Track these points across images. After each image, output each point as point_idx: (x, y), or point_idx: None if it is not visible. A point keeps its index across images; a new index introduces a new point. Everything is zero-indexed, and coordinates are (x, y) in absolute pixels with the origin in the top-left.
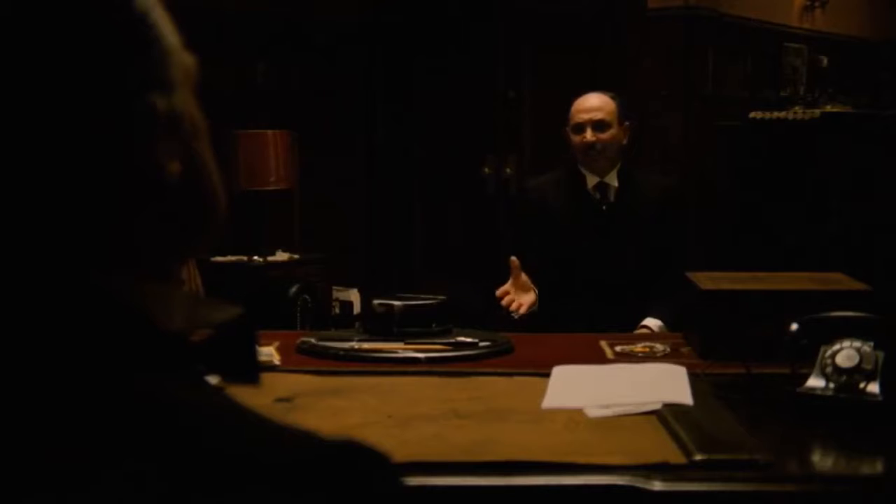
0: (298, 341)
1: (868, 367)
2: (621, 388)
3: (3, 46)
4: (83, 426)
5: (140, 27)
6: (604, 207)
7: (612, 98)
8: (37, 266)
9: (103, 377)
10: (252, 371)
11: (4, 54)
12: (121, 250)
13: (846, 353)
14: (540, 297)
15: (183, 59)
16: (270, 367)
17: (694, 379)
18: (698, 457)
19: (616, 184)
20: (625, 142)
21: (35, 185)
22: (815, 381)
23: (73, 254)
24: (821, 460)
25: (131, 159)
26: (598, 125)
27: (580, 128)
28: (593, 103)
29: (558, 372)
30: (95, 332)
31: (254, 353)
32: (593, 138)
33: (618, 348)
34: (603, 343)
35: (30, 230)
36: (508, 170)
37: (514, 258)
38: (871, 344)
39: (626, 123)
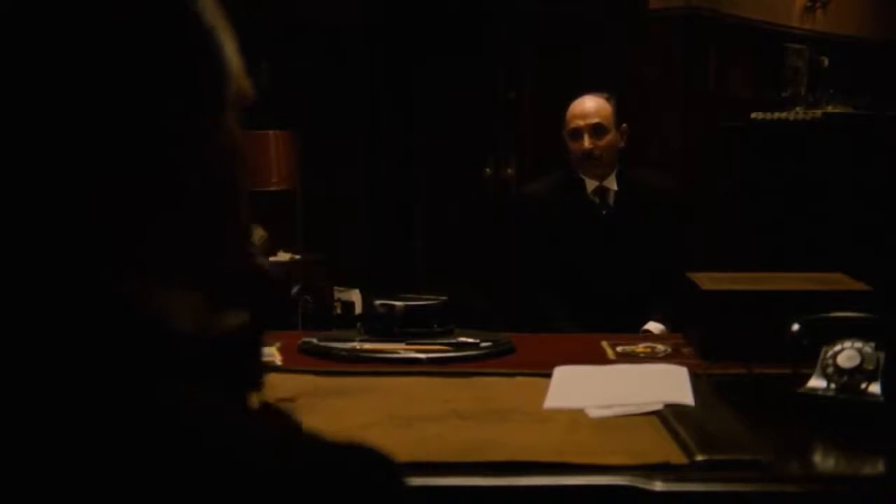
0: (300, 342)
1: (869, 367)
2: (623, 389)
3: (74, 46)
4: (90, 428)
5: (203, 43)
6: (604, 212)
7: (608, 100)
8: (48, 265)
9: (109, 378)
10: (256, 378)
11: (72, 55)
12: (136, 255)
13: (847, 354)
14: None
15: (239, 84)
16: (272, 368)
17: (695, 379)
18: (700, 457)
19: (615, 187)
20: (622, 144)
21: (57, 184)
22: (816, 382)
23: (86, 255)
24: (822, 461)
25: (162, 168)
26: (595, 130)
27: (577, 134)
28: (589, 108)
29: (560, 372)
30: (103, 333)
31: (259, 361)
32: (591, 145)
33: (619, 349)
34: (604, 343)
35: (46, 229)
36: (509, 170)
37: None
38: (873, 344)
39: (623, 125)
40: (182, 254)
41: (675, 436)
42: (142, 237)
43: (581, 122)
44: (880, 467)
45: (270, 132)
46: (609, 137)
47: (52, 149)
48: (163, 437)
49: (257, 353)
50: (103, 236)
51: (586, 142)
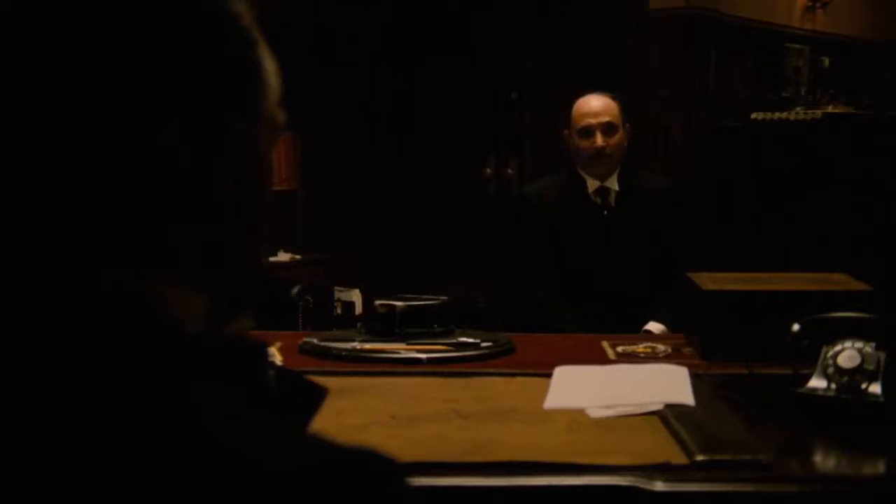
0: (300, 342)
1: (870, 367)
2: (623, 389)
3: (118, 53)
4: (100, 426)
5: (245, 53)
6: (605, 212)
7: (614, 99)
8: (69, 266)
9: (120, 376)
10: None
11: (113, 62)
12: (159, 257)
13: (848, 354)
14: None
15: (275, 101)
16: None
17: (695, 379)
18: (700, 457)
19: (617, 187)
20: (626, 144)
21: (82, 185)
22: (816, 382)
23: (108, 256)
24: (822, 461)
25: (193, 173)
26: (607, 129)
27: (588, 132)
28: (599, 106)
29: (560, 372)
30: (125, 334)
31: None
32: (603, 143)
33: (619, 349)
34: (604, 343)
35: (69, 230)
36: (509, 170)
37: None
38: (873, 344)
39: (627, 125)
40: (204, 258)
41: (676, 436)
42: (166, 240)
43: (592, 120)
44: (880, 467)
45: None
46: (618, 136)
47: (80, 148)
48: (180, 437)
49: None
50: (127, 238)
51: (599, 140)
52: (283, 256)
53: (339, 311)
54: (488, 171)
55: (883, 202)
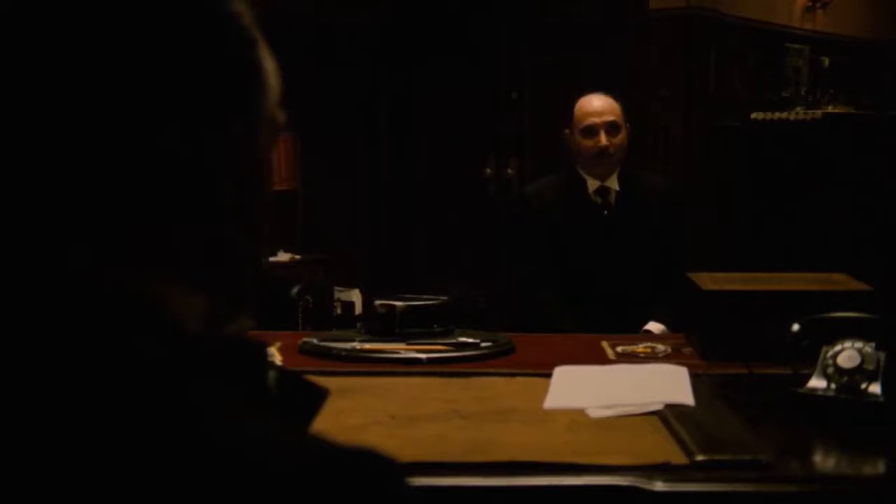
0: (300, 342)
1: (870, 367)
2: (623, 389)
3: (116, 54)
4: (100, 426)
5: (245, 52)
6: (605, 212)
7: (616, 99)
8: (69, 265)
9: (120, 376)
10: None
11: (111, 62)
12: (159, 257)
13: (848, 354)
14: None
15: (275, 101)
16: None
17: (695, 379)
18: (700, 457)
19: (617, 187)
20: (626, 144)
21: (82, 185)
22: (816, 382)
23: (109, 255)
24: (822, 461)
25: (193, 173)
26: (611, 128)
27: (591, 131)
28: (603, 106)
29: (560, 372)
30: (126, 334)
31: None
32: (607, 143)
33: (619, 349)
34: (604, 343)
35: (69, 229)
36: (509, 170)
37: None
38: (873, 344)
39: (628, 125)
40: (204, 258)
41: (676, 436)
42: (166, 240)
43: (597, 120)
44: (880, 467)
45: None
46: (621, 136)
47: (80, 148)
48: (180, 437)
49: (266, 360)
50: (127, 238)
51: (603, 139)
52: (283, 256)
53: (339, 311)
54: (488, 171)
55: (883, 202)
